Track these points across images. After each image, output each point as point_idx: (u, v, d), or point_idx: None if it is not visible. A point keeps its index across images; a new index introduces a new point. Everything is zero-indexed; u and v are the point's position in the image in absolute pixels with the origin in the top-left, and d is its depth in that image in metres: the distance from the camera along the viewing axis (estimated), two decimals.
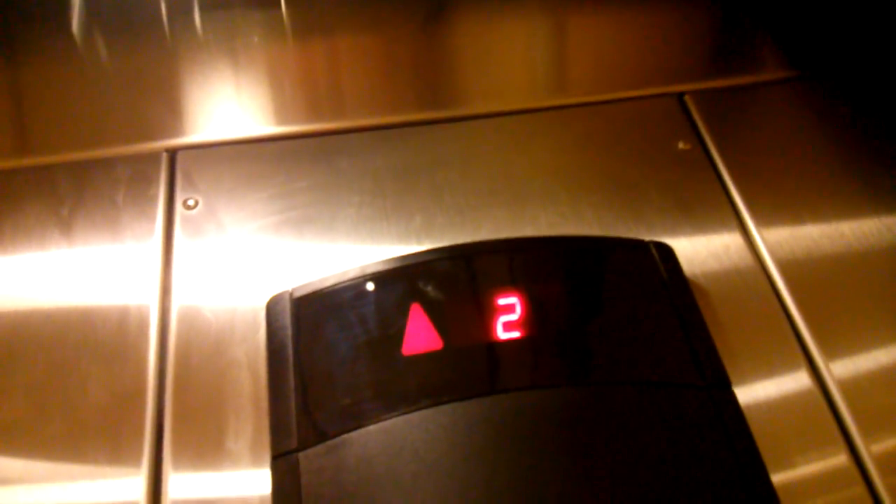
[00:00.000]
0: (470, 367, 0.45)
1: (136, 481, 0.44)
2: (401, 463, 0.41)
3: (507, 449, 0.42)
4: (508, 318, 0.47)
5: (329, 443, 0.42)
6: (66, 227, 0.55)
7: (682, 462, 0.42)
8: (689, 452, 0.43)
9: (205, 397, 0.47)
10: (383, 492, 0.41)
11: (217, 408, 0.47)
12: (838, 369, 0.49)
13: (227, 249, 0.54)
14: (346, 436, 0.43)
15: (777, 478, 0.43)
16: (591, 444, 0.42)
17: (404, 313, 0.46)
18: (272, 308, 0.49)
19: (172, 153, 0.59)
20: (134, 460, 0.45)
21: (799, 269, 0.53)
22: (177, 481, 0.44)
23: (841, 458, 0.46)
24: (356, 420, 0.43)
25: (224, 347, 0.49)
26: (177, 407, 0.47)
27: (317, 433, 0.43)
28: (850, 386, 0.48)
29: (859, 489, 0.45)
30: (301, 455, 0.42)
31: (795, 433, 0.47)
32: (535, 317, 0.46)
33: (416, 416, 0.43)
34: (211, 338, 0.50)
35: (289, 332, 0.47)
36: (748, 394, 0.47)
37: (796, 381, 0.49)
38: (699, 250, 0.54)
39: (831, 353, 0.49)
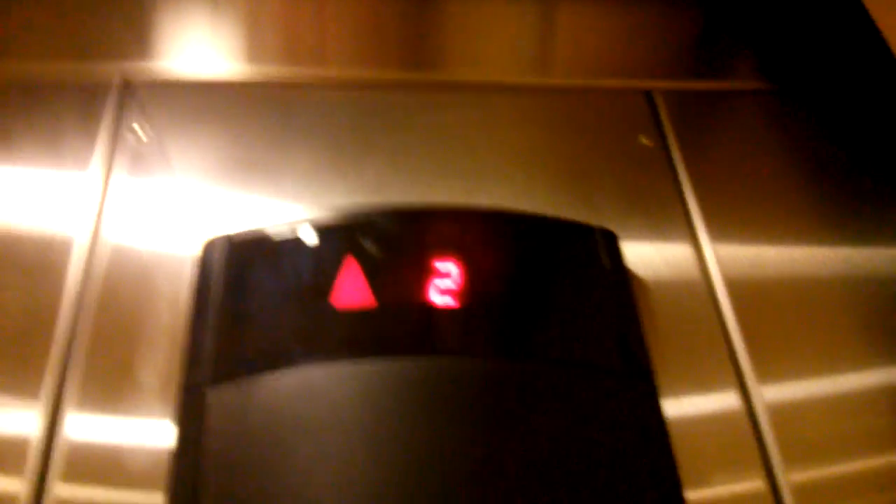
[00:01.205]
0: (397, 327, 0.44)
1: (36, 393, 0.43)
2: (309, 411, 0.41)
3: (420, 412, 0.41)
4: (443, 283, 0.46)
5: (241, 380, 0.42)
6: (6, 135, 0.53)
7: (593, 446, 0.42)
8: (602, 437, 0.42)
9: (122, 323, 0.46)
10: (287, 437, 0.40)
11: (133, 335, 0.46)
12: (769, 393, 0.48)
13: (170, 186, 0.53)
14: (259, 376, 0.42)
15: (691, 494, 0.43)
16: (503, 417, 0.42)
17: (337, 264, 0.45)
18: (208, 249, 0.48)
19: (128, 78, 0.57)
20: (38, 373, 0.44)
21: (743, 286, 0.52)
22: (80, 400, 0.43)
23: (757, 483, 0.45)
24: (272, 363, 0.42)
25: (150, 278, 0.48)
26: (92, 328, 0.46)
27: (230, 370, 0.42)
28: (777, 411, 0.47)
29: None
30: (210, 389, 0.41)
31: (715, 451, 0.46)
32: (470, 286, 0.46)
33: (333, 368, 0.42)
34: (138, 267, 0.49)
35: (221, 272, 0.46)
36: (673, 404, 0.46)
37: (724, 399, 0.48)
38: (645, 246, 0.54)
39: (764, 375, 0.49)
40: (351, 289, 0.45)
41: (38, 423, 0.42)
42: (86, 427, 0.43)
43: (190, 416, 0.41)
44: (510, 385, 0.43)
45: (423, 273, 0.46)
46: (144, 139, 0.54)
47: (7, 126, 0.54)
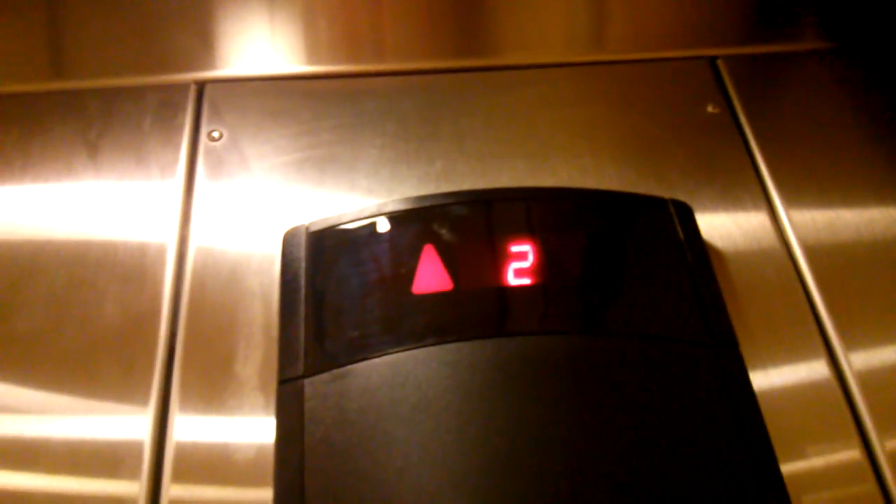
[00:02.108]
0: (478, 310, 0.45)
1: (145, 398, 0.45)
2: (402, 396, 0.41)
3: (507, 391, 0.42)
4: (520, 264, 0.46)
5: (335, 371, 0.43)
6: (92, 150, 0.56)
7: (682, 419, 0.42)
8: (692, 410, 0.42)
9: (217, 323, 0.48)
10: (383, 421, 0.41)
11: (229, 334, 0.47)
12: (858, 360, 0.47)
13: (248, 182, 0.54)
14: (351, 366, 0.43)
15: (785, 467, 0.41)
16: (591, 394, 0.42)
17: (417, 253, 0.46)
18: (288, 240, 0.49)
19: (201, 84, 0.59)
20: (145, 378, 0.46)
21: (822, 251, 0.51)
22: (186, 402, 0.45)
23: (853, 453, 0.44)
24: (362, 352, 0.43)
25: (240, 277, 0.50)
26: (189, 330, 0.48)
27: (323, 362, 0.43)
28: (868, 379, 0.46)
29: (870, 486, 0.43)
30: (307, 381, 0.43)
31: (808, 422, 0.45)
32: (547, 265, 0.46)
33: (421, 353, 0.43)
34: (227, 266, 0.50)
35: (302, 264, 0.47)
36: (761, 376, 0.46)
37: (812, 368, 0.47)
38: (719, 216, 0.53)
39: (851, 342, 0.48)
40: (431, 276, 0.46)
41: (148, 426, 0.44)
42: (193, 428, 0.44)
43: (288, 410, 0.42)
44: (595, 361, 0.43)
45: (501, 256, 0.46)
46: (222, 141, 0.56)
47: (91, 139, 0.56)
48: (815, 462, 0.44)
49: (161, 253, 0.51)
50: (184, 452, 0.43)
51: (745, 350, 0.45)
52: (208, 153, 0.56)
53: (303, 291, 0.46)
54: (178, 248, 0.51)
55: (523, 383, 0.42)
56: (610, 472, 0.40)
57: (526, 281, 0.46)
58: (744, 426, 0.42)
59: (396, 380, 0.42)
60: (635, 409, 0.42)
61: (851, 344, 0.48)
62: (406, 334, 0.44)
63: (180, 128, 0.57)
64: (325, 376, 0.43)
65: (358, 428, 0.41)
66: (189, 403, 0.45)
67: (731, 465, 0.41)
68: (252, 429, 0.44)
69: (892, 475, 0.44)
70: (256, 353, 0.47)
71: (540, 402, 0.42)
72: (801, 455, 0.44)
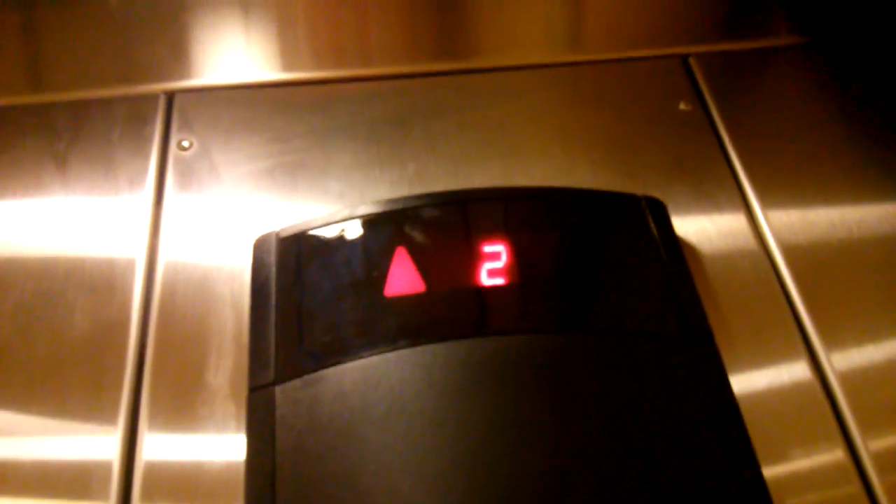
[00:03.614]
0: (451, 311, 0.44)
1: (114, 416, 0.44)
2: (376, 400, 0.41)
3: (482, 392, 0.41)
4: (493, 265, 0.46)
5: (306, 377, 0.42)
6: (61, 162, 0.55)
7: (660, 415, 0.41)
8: (669, 405, 0.41)
9: (188, 333, 0.47)
10: (357, 426, 0.40)
11: (199, 344, 0.47)
12: (839, 360, 0.46)
13: (219, 191, 0.54)
14: (323, 371, 0.42)
15: (769, 470, 0.41)
16: (567, 392, 0.41)
17: (389, 256, 0.46)
18: (259, 247, 0.48)
19: (171, 94, 0.59)
20: (114, 395, 0.45)
21: (799, 250, 0.51)
22: (155, 418, 0.44)
23: (837, 454, 0.43)
24: (334, 357, 0.43)
25: (210, 285, 0.49)
26: (159, 342, 0.47)
27: (294, 368, 0.43)
28: (851, 379, 0.46)
29: (855, 487, 0.42)
30: (278, 388, 0.42)
31: (790, 424, 0.44)
32: (520, 265, 0.46)
33: (393, 356, 0.42)
34: (198, 276, 0.50)
35: (273, 270, 0.47)
36: (741, 379, 0.45)
37: (793, 370, 0.46)
38: (694, 212, 0.53)
39: (832, 342, 0.47)
40: (403, 279, 0.45)
41: (117, 446, 0.43)
42: (163, 446, 0.43)
43: (259, 417, 0.41)
44: (570, 359, 0.43)
45: (474, 256, 0.46)
46: (192, 151, 0.56)
47: (60, 152, 0.56)
48: (799, 464, 0.43)
49: (130, 265, 0.50)
50: (153, 471, 0.42)
51: (726, 352, 0.44)
52: (178, 163, 0.55)
53: (273, 298, 0.46)
54: (148, 259, 0.50)
55: (498, 384, 0.42)
56: (587, 471, 0.39)
57: (499, 281, 0.45)
58: (721, 421, 0.41)
59: (369, 384, 0.41)
60: (612, 406, 0.41)
61: (832, 344, 0.47)
62: (378, 338, 0.43)
63: (149, 138, 0.56)
64: (296, 382, 0.42)
65: (331, 433, 0.40)
66: (159, 419, 0.44)
67: (709, 461, 0.40)
68: (222, 445, 0.43)
69: (877, 476, 0.43)
70: (227, 362, 0.46)
71: (515, 403, 0.41)
72: (785, 458, 0.43)
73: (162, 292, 0.49)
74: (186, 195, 0.53)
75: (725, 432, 0.41)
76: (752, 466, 0.40)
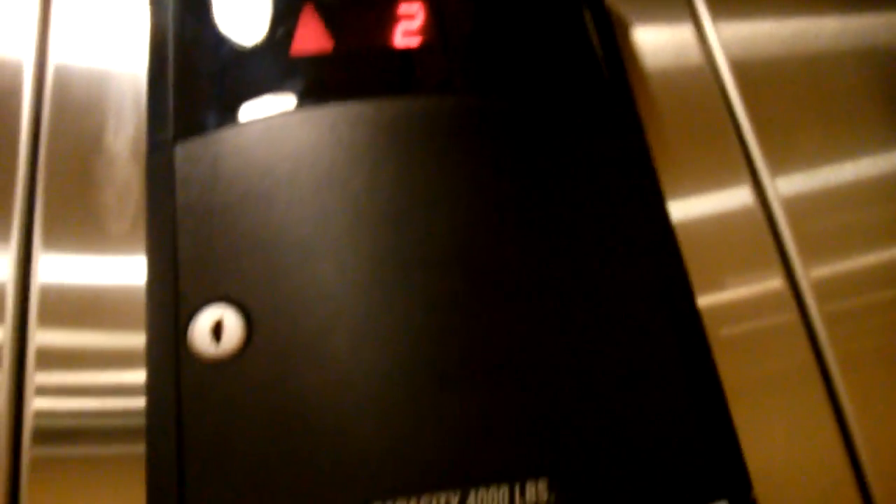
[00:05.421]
0: (360, 70, 0.42)
1: (6, 234, 0.40)
2: (280, 158, 0.38)
3: (389, 151, 0.39)
4: (408, 24, 0.42)
5: (206, 135, 0.39)
6: None
7: (581, 191, 0.38)
8: (584, 169, 0.39)
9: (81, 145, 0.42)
10: (260, 184, 0.38)
11: (94, 158, 0.42)
12: (784, 185, 0.44)
13: None
14: (224, 129, 0.39)
15: (703, 300, 0.39)
16: (478, 154, 0.39)
17: (296, 13, 0.42)
18: (156, 2, 0.44)
19: None
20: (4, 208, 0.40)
21: (749, 67, 0.47)
22: (51, 241, 0.40)
23: (775, 282, 0.41)
24: (236, 115, 0.40)
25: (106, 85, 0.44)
26: (51, 154, 0.42)
27: (194, 125, 0.40)
28: (794, 204, 0.43)
29: (792, 315, 0.41)
30: (178, 146, 0.39)
31: (729, 252, 0.42)
32: (435, 25, 0.42)
33: (298, 115, 0.40)
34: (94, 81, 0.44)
35: (170, 26, 0.43)
36: (680, 205, 0.42)
37: (735, 196, 0.44)
38: (639, 26, 0.48)
39: (777, 166, 0.44)
40: (310, 37, 0.42)
41: (9, 267, 0.39)
42: (60, 266, 0.40)
43: (158, 176, 0.39)
44: (482, 121, 0.40)
45: (386, 15, 0.42)
46: None
47: None
48: (735, 293, 0.41)
49: (18, 70, 0.44)
50: (51, 293, 0.39)
51: (666, 177, 0.41)
52: None
53: (171, 55, 0.42)
54: (38, 63, 0.44)
55: (406, 144, 0.39)
56: (495, 225, 0.37)
57: (413, 41, 0.42)
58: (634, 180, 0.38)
59: (274, 143, 0.39)
60: (525, 168, 0.39)
61: (778, 169, 0.44)
62: (283, 96, 0.40)
63: None
64: (196, 140, 0.39)
65: (235, 191, 0.38)
66: (54, 240, 0.40)
67: (620, 216, 0.38)
68: (122, 269, 0.40)
69: (816, 304, 0.41)
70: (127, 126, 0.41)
71: (424, 164, 0.39)
72: (720, 286, 0.41)
73: (54, 95, 0.44)
74: None
75: (638, 187, 0.38)
76: (685, 296, 0.37)
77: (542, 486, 0.31)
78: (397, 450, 0.32)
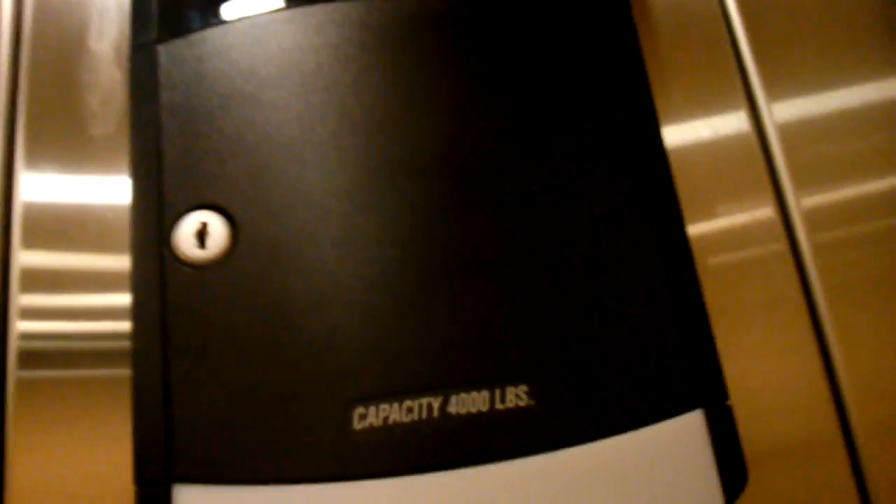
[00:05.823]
0: None
1: None
2: (265, 59, 0.38)
3: (377, 53, 0.38)
4: None
5: (190, 36, 0.39)
6: None
7: (564, 87, 0.38)
8: (576, 76, 0.38)
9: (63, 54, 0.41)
10: (245, 84, 0.38)
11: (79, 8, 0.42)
12: (780, 112, 0.43)
13: None
14: (209, 29, 0.39)
15: (695, 228, 0.38)
16: (467, 57, 0.38)
17: None
18: None
19: None
20: None
21: None
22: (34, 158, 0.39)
23: (766, 211, 0.41)
24: (219, 16, 0.40)
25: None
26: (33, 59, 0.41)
27: (179, 25, 0.40)
28: (789, 131, 0.42)
29: (781, 245, 0.40)
30: (161, 47, 0.39)
31: (721, 178, 0.42)
32: None
33: (282, 14, 0.40)
34: None
35: None
36: (675, 130, 0.41)
37: (731, 120, 0.43)
38: None
39: (774, 92, 0.43)
40: None
41: None
42: (43, 186, 0.39)
43: (141, 77, 0.38)
44: (472, 23, 0.39)
45: None
46: None
47: None
48: (726, 221, 0.41)
49: None
50: (33, 212, 0.38)
51: (661, 101, 0.40)
52: None
53: None
54: None
55: (394, 45, 0.39)
56: (484, 132, 0.36)
57: None
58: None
59: (259, 43, 0.39)
60: (517, 73, 0.38)
61: (775, 94, 0.43)
62: None
63: None
64: (179, 41, 0.39)
65: (219, 92, 0.38)
66: (37, 146, 0.39)
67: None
68: (107, 187, 0.39)
69: (805, 234, 0.41)
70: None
71: (413, 64, 0.38)
72: (711, 214, 0.40)
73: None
74: None
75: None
76: (672, 208, 0.37)
77: (522, 391, 0.32)
78: (381, 354, 0.32)
